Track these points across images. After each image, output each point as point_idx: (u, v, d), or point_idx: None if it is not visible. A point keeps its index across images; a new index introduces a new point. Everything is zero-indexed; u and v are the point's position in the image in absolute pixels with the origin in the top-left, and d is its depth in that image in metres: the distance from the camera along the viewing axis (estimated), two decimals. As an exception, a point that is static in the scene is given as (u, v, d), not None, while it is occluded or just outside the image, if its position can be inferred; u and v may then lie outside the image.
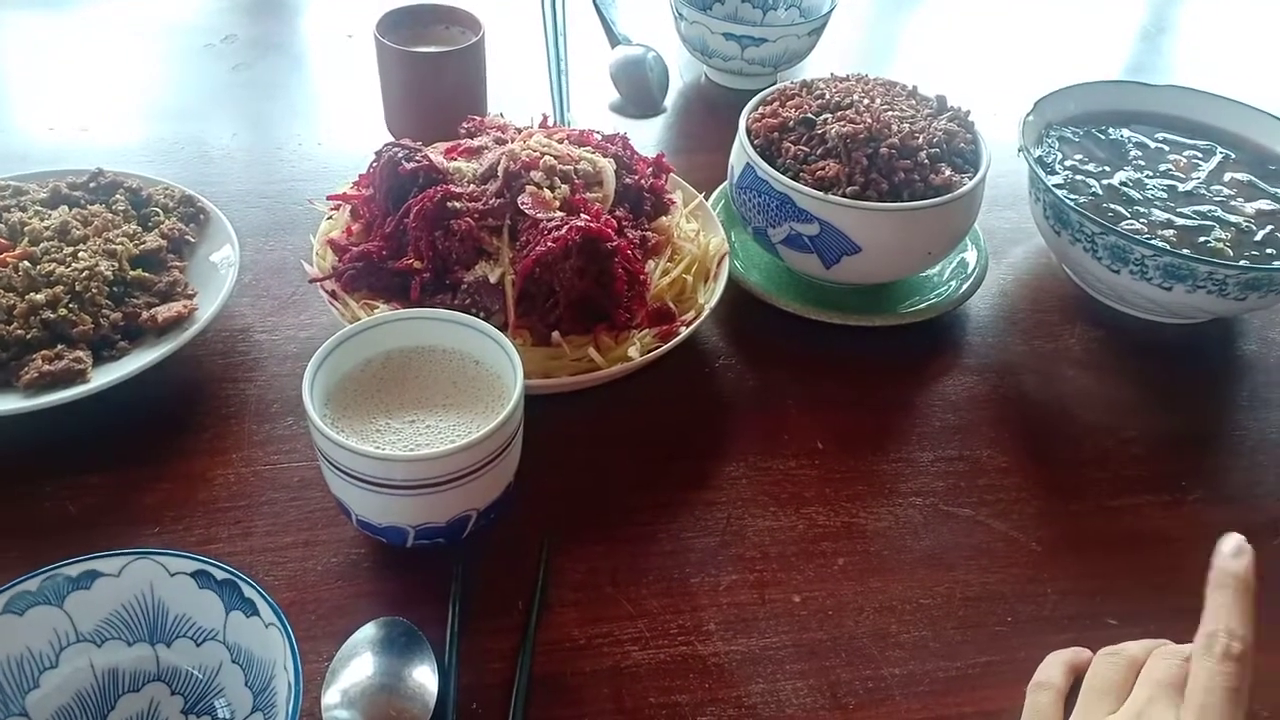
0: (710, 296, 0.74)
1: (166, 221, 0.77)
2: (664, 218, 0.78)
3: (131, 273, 0.72)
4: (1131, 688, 0.49)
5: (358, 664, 0.54)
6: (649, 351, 0.69)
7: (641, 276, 0.71)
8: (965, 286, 0.82)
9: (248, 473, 0.66)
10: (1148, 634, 0.57)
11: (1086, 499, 0.70)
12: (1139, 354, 0.82)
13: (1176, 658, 0.49)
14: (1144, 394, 0.79)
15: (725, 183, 0.85)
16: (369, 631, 0.56)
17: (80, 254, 0.71)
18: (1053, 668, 0.53)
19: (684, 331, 0.71)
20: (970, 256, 0.85)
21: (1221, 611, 0.47)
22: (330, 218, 0.78)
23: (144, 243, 0.74)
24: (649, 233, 0.75)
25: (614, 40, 1.13)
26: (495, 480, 0.58)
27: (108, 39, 1.11)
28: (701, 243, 0.78)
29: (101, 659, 0.52)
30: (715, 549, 0.64)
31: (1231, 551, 0.49)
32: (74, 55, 1.08)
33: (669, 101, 1.09)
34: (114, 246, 0.73)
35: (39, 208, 0.76)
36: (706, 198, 0.83)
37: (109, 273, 0.71)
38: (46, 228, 0.73)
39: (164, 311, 0.70)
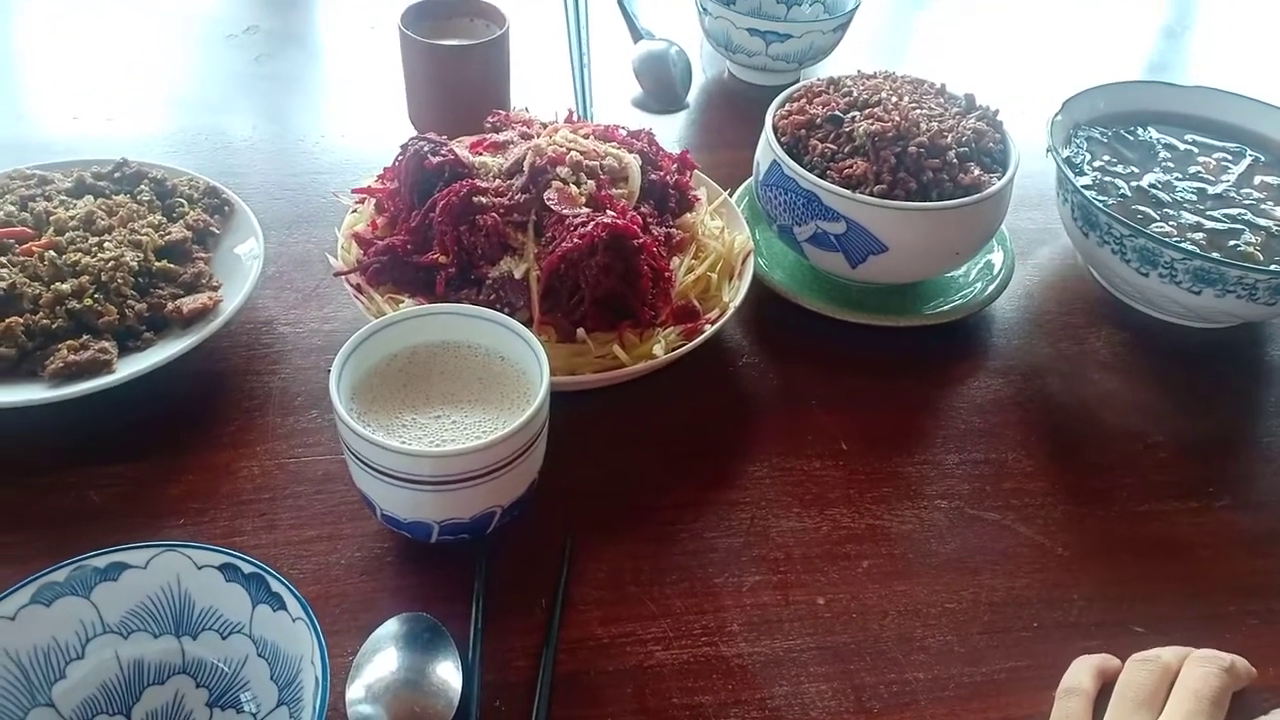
0: (735, 295, 0.74)
1: (191, 213, 0.77)
2: (689, 215, 0.77)
3: (157, 264, 0.72)
4: (1165, 697, 0.48)
5: (381, 659, 0.54)
6: (673, 349, 0.69)
7: (666, 274, 0.71)
8: (991, 288, 0.81)
9: (272, 465, 0.66)
10: (1174, 641, 0.57)
11: (1113, 504, 0.69)
12: (1166, 358, 0.81)
13: (1213, 664, 0.49)
14: (1171, 398, 0.78)
15: (749, 179, 0.85)
16: (393, 627, 0.56)
17: (105, 244, 0.71)
18: (1081, 673, 0.53)
19: (708, 330, 0.71)
20: (996, 258, 0.84)
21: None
22: (355, 211, 0.77)
23: (169, 234, 0.74)
24: (674, 230, 0.75)
25: (636, 35, 1.12)
26: (520, 477, 0.58)
27: (131, 29, 1.11)
28: (726, 240, 0.77)
29: (127, 651, 0.52)
30: (739, 549, 0.64)
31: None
32: (97, 45, 1.08)
33: (691, 97, 1.08)
34: (139, 237, 0.72)
35: (64, 197, 0.76)
36: (730, 194, 0.83)
37: (134, 263, 0.71)
38: (72, 218, 0.73)
39: (189, 303, 0.70)
